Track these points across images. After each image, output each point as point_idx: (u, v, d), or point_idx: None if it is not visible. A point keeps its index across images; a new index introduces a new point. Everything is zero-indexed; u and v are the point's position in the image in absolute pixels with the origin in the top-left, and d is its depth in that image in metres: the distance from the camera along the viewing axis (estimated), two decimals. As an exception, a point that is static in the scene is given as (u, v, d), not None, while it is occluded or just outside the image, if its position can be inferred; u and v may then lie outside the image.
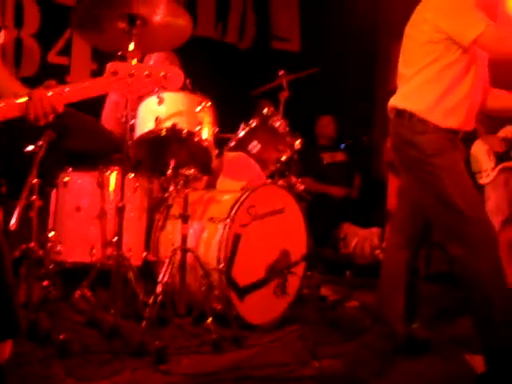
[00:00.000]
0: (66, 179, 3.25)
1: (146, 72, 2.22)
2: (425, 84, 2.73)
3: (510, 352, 2.53)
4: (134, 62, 2.76)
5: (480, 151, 4.30)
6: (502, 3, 2.63)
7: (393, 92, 2.95)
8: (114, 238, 2.96)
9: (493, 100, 2.91)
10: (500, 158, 4.20)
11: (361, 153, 7.05)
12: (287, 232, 3.40)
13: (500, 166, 4.18)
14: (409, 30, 2.83)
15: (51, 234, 3.20)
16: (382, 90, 6.93)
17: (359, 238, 5.36)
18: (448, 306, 3.64)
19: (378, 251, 5.18)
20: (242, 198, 3.17)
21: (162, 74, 2.25)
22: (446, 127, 2.70)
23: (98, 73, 4.96)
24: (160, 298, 2.85)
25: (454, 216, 2.65)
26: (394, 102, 2.85)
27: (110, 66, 2.18)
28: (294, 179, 3.78)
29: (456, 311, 3.42)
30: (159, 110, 3.11)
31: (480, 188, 4.28)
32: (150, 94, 3.16)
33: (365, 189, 6.47)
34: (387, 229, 5.11)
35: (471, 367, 2.67)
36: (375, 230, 5.44)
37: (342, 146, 7.25)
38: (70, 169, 3.28)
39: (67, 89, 2.12)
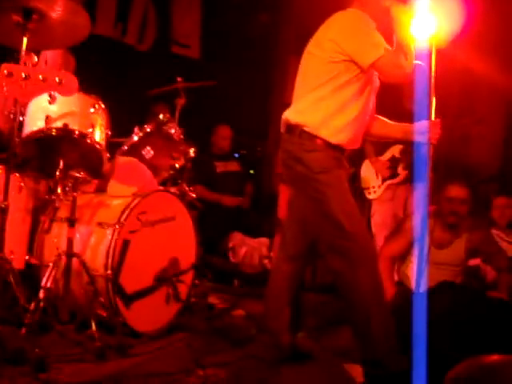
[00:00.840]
0: None
1: (41, 76, 2.18)
2: (319, 100, 2.82)
3: (386, 364, 2.66)
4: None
5: (368, 169, 4.53)
6: (399, 32, 2.78)
7: (288, 105, 3.03)
8: (-6, 238, 2.82)
9: (376, 126, 3.07)
10: (386, 176, 4.45)
11: (254, 163, 7.18)
12: (177, 240, 3.39)
13: (386, 184, 4.42)
14: (311, 46, 2.91)
15: None
16: (277, 103, 7.09)
17: (248, 248, 5.43)
18: (331, 317, 3.76)
19: (266, 261, 5.27)
20: (132, 204, 3.12)
21: (57, 79, 2.22)
22: (334, 143, 2.81)
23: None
24: (42, 303, 2.75)
25: (337, 232, 2.76)
26: (287, 115, 2.92)
27: (3, 67, 2.12)
28: (185, 187, 3.79)
29: (338, 321, 3.55)
30: (50, 108, 3.00)
31: (368, 202, 4.52)
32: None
33: (256, 199, 6.58)
34: (276, 239, 5.22)
35: (351, 377, 2.76)
36: (264, 240, 5.54)
37: (236, 155, 7.34)
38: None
39: None
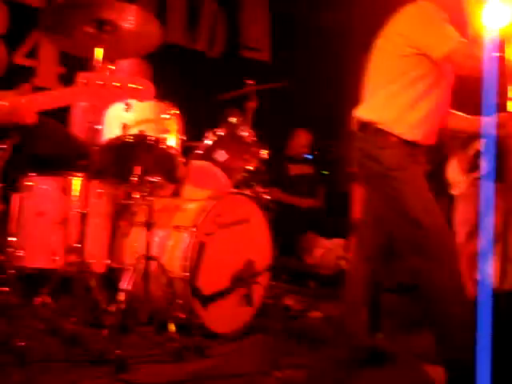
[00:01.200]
0: (30, 184, 3.21)
1: (117, 83, 2.23)
2: (391, 96, 2.76)
3: (469, 364, 2.57)
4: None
5: (453, 165, 4.42)
6: (472, 23, 2.69)
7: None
8: (76, 244, 2.93)
9: (452, 121, 2.98)
10: (469, 169, 4.32)
11: (327, 164, 7.12)
12: (252, 242, 3.41)
13: (470, 178, 4.31)
14: (380, 41, 2.86)
15: (12, 239, 3.15)
16: (349, 102, 7.02)
17: (324, 249, 5.40)
18: (410, 318, 3.67)
19: (342, 262, 5.22)
20: (207, 207, 3.17)
21: (133, 85, 2.25)
22: (409, 140, 2.74)
23: (65, 76, 4.91)
24: (122, 306, 2.83)
25: (415, 230, 2.69)
26: (360, 113, 2.88)
27: (81, 77, 2.18)
28: (259, 189, 3.80)
29: (418, 323, 3.46)
30: (126, 116, 3.08)
31: (452, 198, 4.41)
32: (117, 100, 3.14)
33: (330, 199, 6.53)
34: (351, 239, 5.16)
35: (432, 378, 2.69)
36: (339, 241, 5.49)
37: (310, 156, 7.31)
38: (34, 173, 3.24)
39: (40, 97, 2.11)
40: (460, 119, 2.99)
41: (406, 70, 2.73)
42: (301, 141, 5.88)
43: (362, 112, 2.86)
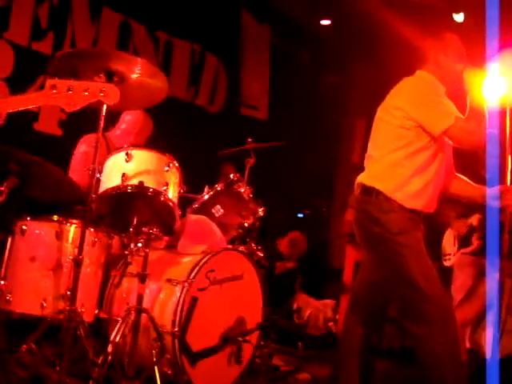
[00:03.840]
0: (24, 227, 3.18)
1: (84, 87, 2.40)
2: (393, 166, 2.82)
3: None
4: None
5: (448, 237, 4.49)
6: (472, 95, 2.76)
7: (354, 167, 3.04)
8: (67, 291, 2.89)
9: (456, 186, 3.02)
10: (461, 242, 4.38)
11: (318, 223, 7.16)
12: (244, 299, 3.38)
13: (460, 251, 4.36)
14: (381, 112, 2.93)
15: (1, 283, 3.10)
16: (343, 164, 7.12)
17: (313, 309, 5.36)
18: (400, 383, 3.63)
19: (331, 323, 5.18)
20: (202, 262, 3.15)
21: (99, 88, 2.45)
22: (410, 208, 2.78)
23: (66, 123, 4.95)
24: (110, 358, 2.77)
25: (415, 295, 2.70)
26: (362, 179, 2.92)
27: (49, 82, 2.36)
28: (254, 246, 3.79)
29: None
30: (127, 166, 3.09)
31: (446, 270, 4.46)
32: (119, 150, 3.17)
33: (320, 258, 6.54)
34: (342, 301, 5.13)
35: None
36: (329, 302, 5.46)
37: (301, 215, 7.36)
38: (29, 217, 3.21)
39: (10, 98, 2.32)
40: (464, 185, 3.03)
41: (407, 142, 2.80)
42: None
43: (364, 178, 2.91)
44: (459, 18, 5.45)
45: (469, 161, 4.02)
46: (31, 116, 4.84)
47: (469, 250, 4.30)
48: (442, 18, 5.47)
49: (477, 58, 2.89)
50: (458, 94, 2.88)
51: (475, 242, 4.26)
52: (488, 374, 2.52)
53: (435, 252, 4.49)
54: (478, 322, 3.62)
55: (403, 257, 2.73)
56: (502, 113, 2.79)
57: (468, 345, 3.70)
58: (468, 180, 3.04)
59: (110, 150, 3.64)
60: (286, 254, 5.79)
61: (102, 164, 3.15)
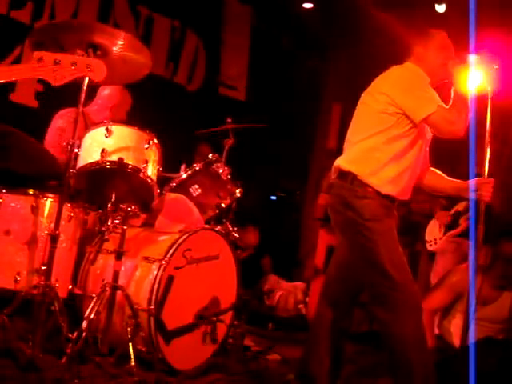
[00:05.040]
0: (-1, 200, 3.13)
1: (72, 61, 2.37)
2: (371, 150, 2.84)
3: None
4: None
5: (433, 224, 4.56)
6: (456, 85, 2.79)
7: (329, 152, 3.06)
8: (42, 266, 2.86)
9: (429, 178, 3.07)
10: (448, 227, 4.45)
11: (292, 207, 7.20)
12: (219, 279, 3.39)
13: (448, 234, 4.43)
14: (365, 97, 2.95)
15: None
16: (319, 149, 7.15)
17: (284, 291, 5.41)
18: (368, 367, 3.70)
19: (301, 305, 5.24)
20: (179, 240, 3.15)
21: (86, 63, 2.43)
22: (385, 193, 2.81)
23: (43, 94, 4.86)
24: (84, 334, 2.76)
25: (383, 281, 2.74)
26: (339, 163, 2.94)
27: (36, 54, 2.31)
28: (230, 227, 3.80)
29: (375, 371, 3.48)
30: (106, 142, 3.07)
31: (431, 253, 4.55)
32: (99, 124, 3.13)
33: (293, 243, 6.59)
34: (313, 284, 5.19)
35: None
36: (300, 284, 5.51)
37: (274, 197, 7.38)
38: (4, 190, 3.16)
39: None
40: (438, 179, 3.08)
41: (387, 127, 2.82)
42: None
43: (342, 162, 2.92)
44: (441, 8, 5.48)
45: (449, 155, 4.11)
46: (9, 87, 4.74)
47: (458, 230, 4.38)
48: (424, 9, 5.50)
49: (460, 48, 2.92)
50: (443, 90, 2.91)
51: (463, 223, 4.34)
52: (459, 360, 2.58)
53: (407, 239, 4.57)
54: (449, 308, 3.70)
55: (374, 243, 2.77)
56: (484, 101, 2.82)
57: (437, 331, 3.77)
58: (441, 173, 3.09)
59: (88, 125, 3.59)
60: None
61: (80, 139, 3.11)
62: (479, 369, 2.45)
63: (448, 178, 3.07)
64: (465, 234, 4.37)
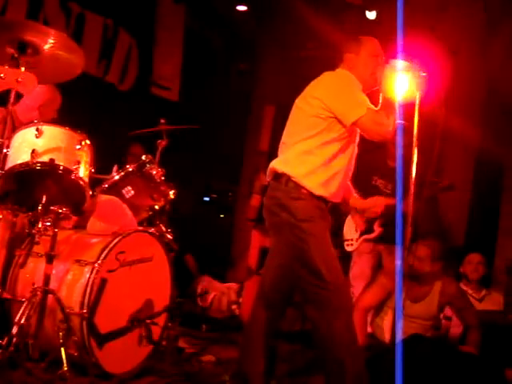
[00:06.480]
0: None
1: (2, 75, 2.34)
2: (305, 153, 2.91)
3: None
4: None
5: (349, 223, 4.66)
6: (383, 89, 2.89)
7: (261, 153, 3.12)
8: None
9: (351, 197, 3.28)
10: (363, 230, 4.55)
11: (225, 208, 7.22)
12: (153, 281, 3.38)
13: (363, 237, 4.52)
14: (299, 101, 3.01)
15: None
16: (250, 150, 7.20)
17: (217, 293, 5.42)
18: (301, 366, 3.76)
19: (234, 306, 5.26)
20: (112, 243, 3.11)
21: (16, 77, 2.38)
22: (318, 195, 2.88)
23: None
24: (14, 339, 2.69)
25: (315, 280, 2.81)
26: (274, 165, 2.99)
27: None
28: (163, 228, 3.78)
29: (309, 370, 3.55)
30: (37, 142, 2.99)
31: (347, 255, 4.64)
32: (29, 124, 3.05)
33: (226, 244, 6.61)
34: (246, 284, 5.22)
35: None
36: (233, 285, 5.53)
37: (207, 199, 7.38)
38: None
39: None
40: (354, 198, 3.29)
41: (320, 131, 2.90)
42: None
43: (277, 164, 2.97)
44: (371, 15, 5.63)
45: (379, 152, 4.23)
46: None
47: (371, 236, 4.50)
48: (355, 15, 5.64)
49: (388, 55, 3.02)
50: (374, 96, 3.01)
51: (377, 229, 4.45)
52: (387, 357, 2.66)
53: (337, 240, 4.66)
54: (381, 306, 3.82)
55: (306, 243, 2.83)
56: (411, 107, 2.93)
57: (369, 329, 3.89)
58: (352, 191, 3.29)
59: (15, 125, 3.49)
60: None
61: (8, 139, 3.02)
62: (406, 366, 2.53)
63: (356, 196, 3.30)
64: (378, 239, 4.51)
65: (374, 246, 4.52)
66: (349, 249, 4.62)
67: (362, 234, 4.55)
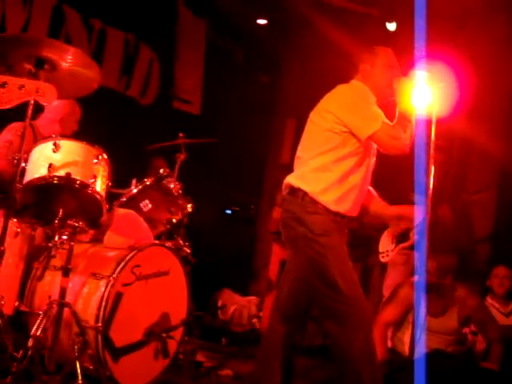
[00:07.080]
0: None
1: (19, 84, 2.30)
2: (320, 170, 2.89)
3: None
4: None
5: (385, 236, 4.64)
6: (400, 103, 2.86)
7: (283, 166, 3.10)
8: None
9: (373, 203, 3.18)
10: (399, 240, 4.53)
11: (247, 221, 7.21)
12: (169, 295, 3.37)
13: (399, 247, 4.50)
14: (314, 115, 3.00)
15: None
16: (272, 163, 7.21)
17: (237, 306, 5.40)
18: (321, 381, 3.72)
19: (255, 320, 5.24)
20: (128, 256, 3.12)
21: (35, 87, 2.36)
22: (334, 211, 2.86)
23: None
24: (30, 352, 2.71)
25: (334, 294, 2.78)
26: (290, 180, 2.98)
27: None
28: (181, 242, 3.79)
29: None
30: (54, 156, 3.02)
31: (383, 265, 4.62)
32: (46, 139, 3.09)
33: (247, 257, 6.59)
34: (266, 298, 5.20)
35: None
36: (254, 299, 5.52)
37: (229, 211, 7.39)
38: None
39: None
40: (379, 204, 3.17)
41: (335, 146, 2.88)
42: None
43: (293, 179, 2.97)
44: (392, 27, 5.60)
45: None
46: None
47: (407, 244, 4.46)
48: (375, 27, 5.62)
49: (408, 66, 2.99)
50: (388, 107, 2.98)
51: (413, 237, 4.42)
52: (409, 372, 2.62)
53: (359, 252, 4.64)
54: (402, 320, 3.76)
55: (324, 257, 2.81)
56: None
57: (390, 343, 3.83)
58: (381, 200, 3.18)
59: (37, 139, 3.54)
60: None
61: (27, 153, 3.06)
62: (425, 381, 2.49)
63: (387, 205, 3.19)
64: (415, 247, 4.46)
65: (408, 257, 4.48)
66: (383, 260, 4.62)
67: (398, 243, 4.53)
